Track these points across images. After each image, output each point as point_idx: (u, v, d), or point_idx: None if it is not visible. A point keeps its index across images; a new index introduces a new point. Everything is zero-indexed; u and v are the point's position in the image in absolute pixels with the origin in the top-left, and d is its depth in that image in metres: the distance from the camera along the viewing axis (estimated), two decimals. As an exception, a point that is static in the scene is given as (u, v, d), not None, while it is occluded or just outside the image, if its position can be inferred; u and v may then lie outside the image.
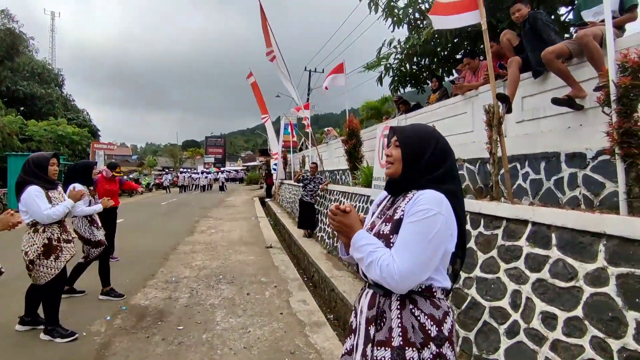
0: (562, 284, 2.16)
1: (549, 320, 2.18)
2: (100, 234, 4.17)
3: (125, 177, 22.33)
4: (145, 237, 8.13)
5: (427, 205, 1.21)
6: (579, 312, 2.03)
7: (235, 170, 50.30)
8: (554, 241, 2.30)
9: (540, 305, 2.26)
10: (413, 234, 1.20)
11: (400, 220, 1.27)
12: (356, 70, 7.93)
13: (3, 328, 3.34)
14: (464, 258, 1.43)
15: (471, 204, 3.11)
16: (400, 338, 1.23)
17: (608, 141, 2.22)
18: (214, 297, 4.34)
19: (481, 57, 4.88)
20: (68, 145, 19.34)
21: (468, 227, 3.10)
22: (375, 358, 1.24)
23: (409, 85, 7.15)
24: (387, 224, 1.32)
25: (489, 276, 2.73)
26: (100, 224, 4.24)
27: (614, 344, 1.83)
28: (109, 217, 5.58)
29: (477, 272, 2.86)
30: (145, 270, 5.38)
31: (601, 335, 1.90)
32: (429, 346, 1.22)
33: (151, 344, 3.15)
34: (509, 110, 3.23)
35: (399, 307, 1.26)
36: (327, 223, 7.67)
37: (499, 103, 3.15)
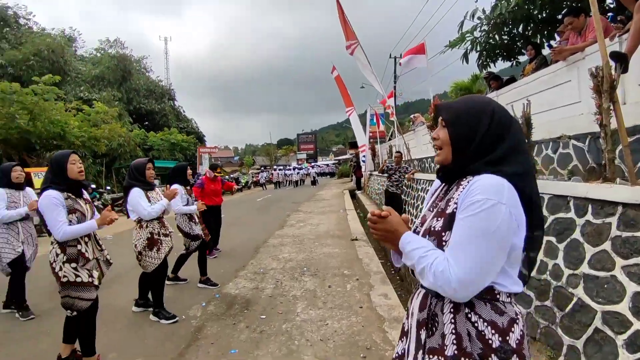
0: None
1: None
2: (198, 229, 4.62)
3: (226, 177, 24.66)
4: (241, 231, 8.82)
5: (482, 195, 1.00)
6: None
7: (326, 165, 51.65)
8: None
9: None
10: (469, 231, 1.00)
11: (453, 215, 1.07)
12: (440, 52, 7.33)
13: (122, 309, 3.94)
14: (535, 255, 1.14)
15: (576, 188, 2.59)
16: (455, 347, 1.04)
17: None
18: (296, 289, 4.47)
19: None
20: (180, 151, 22.23)
21: (571, 214, 2.60)
22: None
23: (499, 59, 6.34)
24: (439, 218, 1.12)
25: (601, 274, 2.24)
26: (197, 220, 4.69)
27: None
28: (213, 215, 6.20)
29: (584, 268, 2.38)
30: (238, 262, 5.83)
31: None
32: (490, 359, 1.02)
33: (236, 330, 3.38)
34: (624, 69, 2.60)
35: (452, 310, 1.07)
36: (415, 214, 7.33)
37: (612, 62, 2.55)
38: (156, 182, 3.82)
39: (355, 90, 21.56)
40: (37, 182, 4.77)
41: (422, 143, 9.92)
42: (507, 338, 1.03)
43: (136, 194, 3.43)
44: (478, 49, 6.27)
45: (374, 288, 4.38)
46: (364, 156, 17.51)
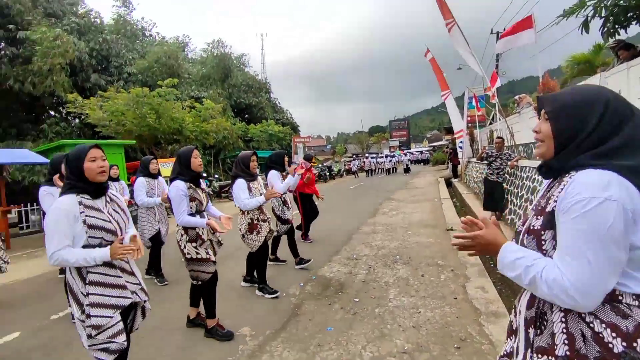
0: None
1: None
2: (289, 214, 4.97)
3: (318, 165, 25.49)
4: (334, 218, 9.14)
5: (586, 194, 0.92)
6: None
7: (419, 152, 49.74)
8: None
9: None
10: (576, 234, 0.93)
11: (552, 213, 1.01)
12: (552, 23, 6.41)
13: (233, 283, 4.50)
14: None
15: None
16: (566, 347, 0.99)
17: None
18: (389, 276, 4.53)
19: None
20: (276, 141, 23.78)
21: None
22: None
23: (634, 22, 5.31)
24: (539, 217, 1.07)
25: None
26: (290, 205, 5.05)
27: None
28: (307, 202, 6.56)
29: None
30: (331, 247, 6.10)
31: None
32: None
33: (331, 310, 3.60)
34: None
35: (562, 308, 1.02)
36: (518, 204, 6.70)
37: None
38: (256, 170, 4.23)
39: (452, 73, 20.18)
40: (163, 170, 5.67)
41: (528, 127, 8.91)
42: (634, 344, 0.93)
43: (239, 185, 3.81)
44: (603, 14, 5.32)
45: (470, 280, 4.20)
46: (461, 142, 16.42)
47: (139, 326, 2.29)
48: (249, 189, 3.80)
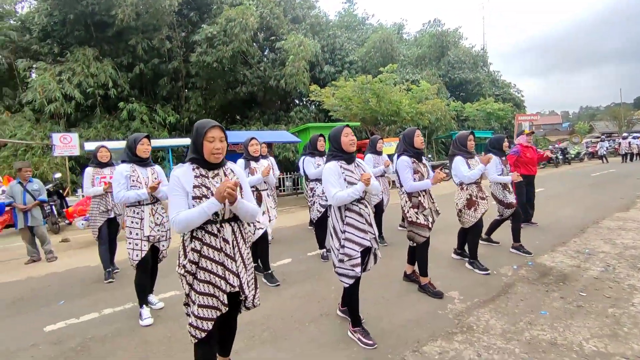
0: None
1: None
2: (511, 197, 4.78)
3: (549, 146, 21.71)
4: (563, 207, 7.92)
5: None
6: None
7: None
8: None
9: None
10: None
11: None
12: None
13: (444, 253, 4.85)
14: None
15: None
16: None
17: None
18: (636, 279, 3.80)
19: None
20: (496, 120, 21.69)
21: None
22: None
23: None
24: None
25: None
26: (511, 189, 4.85)
27: None
28: (528, 184, 6.08)
29: None
30: (556, 238, 5.47)
31: None
32: None
33: (548, 297, 3.43)
34: None
35: None
36: None
37: None
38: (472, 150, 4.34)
39: None
40: (385, 149, 6.49)
41: None
42: None
43: (458, 162, 4.08)
44: None
45: None
46: None
47: (370, 268, 3.00)
48: (468, 166, 4.02)
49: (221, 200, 1.88)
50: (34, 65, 13.37)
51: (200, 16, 16.35)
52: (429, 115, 16.49)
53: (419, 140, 3.58)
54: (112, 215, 4.59)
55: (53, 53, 14.16)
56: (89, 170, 4.58)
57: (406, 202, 3.60)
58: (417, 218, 3.53)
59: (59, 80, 12.75)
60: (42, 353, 2.87)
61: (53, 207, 8.04)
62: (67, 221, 8.40)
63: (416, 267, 3.78)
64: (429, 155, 18.51)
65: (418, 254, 3.66)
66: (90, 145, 10.07)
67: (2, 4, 15.28)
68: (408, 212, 3.58)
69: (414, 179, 3.52)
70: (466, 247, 4.47)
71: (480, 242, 5.10)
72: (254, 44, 17.25)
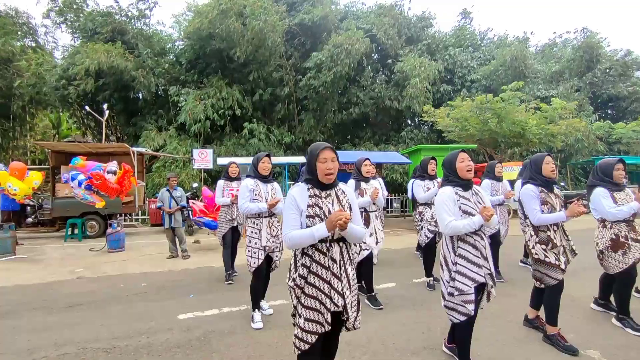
0: None
1: None
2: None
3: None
4: None
5: None
6: None
7: None
8: None
9: None
10: None
11: None
12: None
13: (581, 301, 4.10)
14: None
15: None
16: None
17: None
18: None
19: None
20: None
21: None
22: None
23: None
24: None
25: None
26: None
27: None
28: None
29: None
30: None
31: None
32: None
33: None
34: None
35: None
36: None
37: None
38: (624, 181, 3.56)
39: None
40: (506, 174, 5.85)
41: None
42: None
43: (600, 194, 3.44)
44: None
45: None
46: None
47: (484, 307, 2.72)
48: (614, 200, 3.36)
49: (331, 229, 1.96)
50: (182, 91, 16.18)
51: (313, 43, 17.58)
52: (564, 137, 14.38)
53: (548, 168, 3.15)
54: (236, 224, 5.17)
55: (195, 81, 16.98)
56: (220, 183, 5.26)
57: (531, 236, 3.18)
58: (547, 256, 3.08)
59: (203, 105, 15.18)
60: (175, 337, 3.36)
61: (190, 212, 9.45)
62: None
63: (541, 313, 3.28)
64: (562, 183, 16.05)
65: (547, 298, 3.17)
66: (222, 160, 11.59)
67: (165, 44, 19.06)
68: (534, 247, 3.16)
69: (542, 211, 3.10)
70: (612, 298, 3.70)
71: (635, 295, 4.19)
72: (367, 66, 17.70)
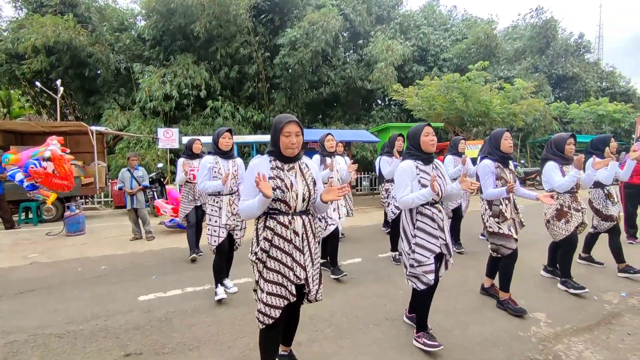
0: None
1: None
2: (613, 209, 4.09)
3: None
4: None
5: None
6: None
7: None
8: None
9: None
10: None
11: None
12: None
13: (533, 270, 4.33)
14: None
15: None
16: None
17: None
18: None
19: None
20: (609, 123, 18.70)
21: None
22: None
23: None
24: None
25: None
26: (616, 200, 4.15)
27: None
28: (636, 196, 5.27)
29: None
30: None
31: None
32: None
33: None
34: None
35: None
36: None
37: None
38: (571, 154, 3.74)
39: None
40: (469, 152, 5.99)
41: None
42: None
43: (550, 167, 3.59)
44: None
45: None
46: None
47: (442, 274, 2.81)
48: (562, 173, 3.52)
49: (269, 194, 1.92)
50: (145, 69, 15.36)
51: (282, 20, 17.08)
52: (524, 117, 14.93)
53: (507, 143, 3.24)
54: (200, 204, 5.04)
55: (160, 59, 16.12)
56: (180, 161, 5.09)
57: (485, 210, 3.30)
58: (500, 228, 3.21)
59: (162, 82, 14.49)
60: (135, 318, 3.27)
61: (155, 193, 9.12)
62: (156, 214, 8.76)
63: (496, 281, 3.44)
64: (522, 161, 16.77)
65: (502, 266, 3.33)
66: (187, 139, 11.18)
67: (125, 19, 17.88)
68: (487, 221, 3.28)
69: (495, 186, 3.20)
70: (558, 264, 3.94)
71: (579, 261, 4.52)
72: (339, 46, 17.44)
